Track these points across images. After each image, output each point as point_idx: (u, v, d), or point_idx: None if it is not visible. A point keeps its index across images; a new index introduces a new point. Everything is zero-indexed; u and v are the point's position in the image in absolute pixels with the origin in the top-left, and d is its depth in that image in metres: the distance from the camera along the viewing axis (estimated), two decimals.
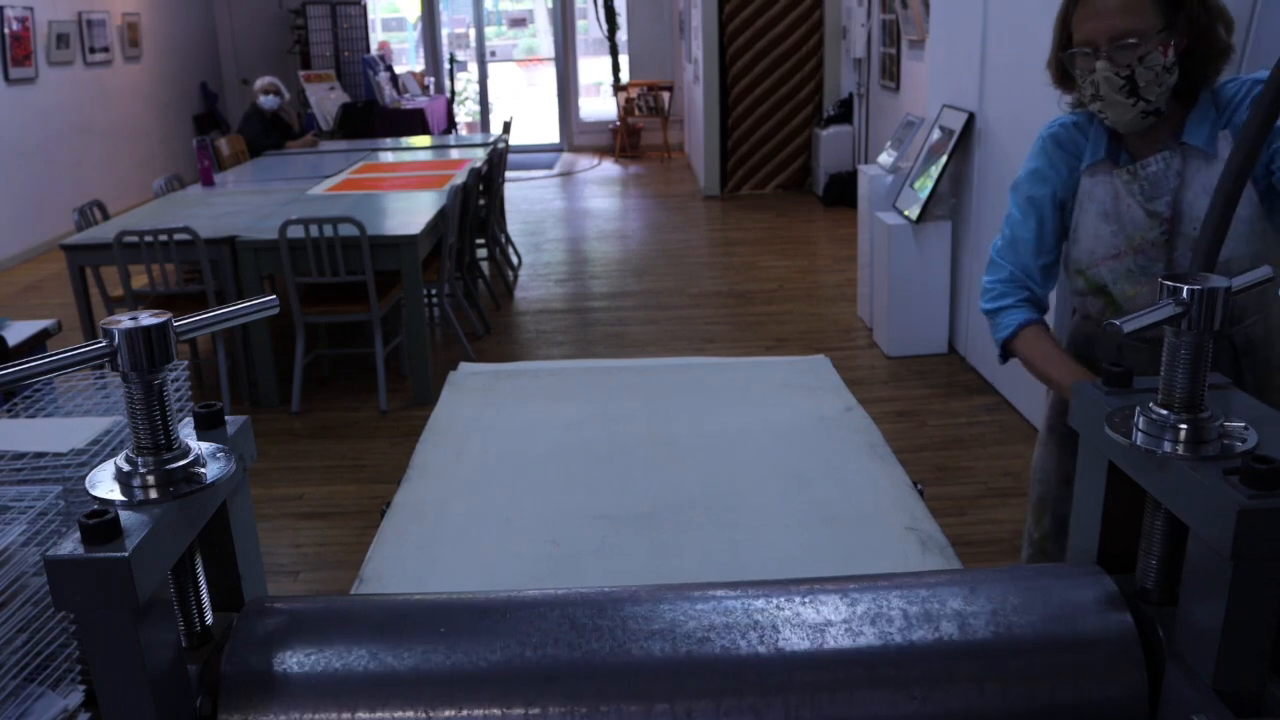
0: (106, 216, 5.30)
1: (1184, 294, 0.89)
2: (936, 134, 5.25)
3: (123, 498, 0.88)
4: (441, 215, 5.11)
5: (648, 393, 2.12)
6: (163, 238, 4.49)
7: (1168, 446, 0.92)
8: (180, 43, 11.53)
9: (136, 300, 4.70)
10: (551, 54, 13.47)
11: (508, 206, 7.61)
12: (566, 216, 9.69)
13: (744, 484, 1.69)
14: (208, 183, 6.06)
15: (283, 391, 4.87)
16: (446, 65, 13.11)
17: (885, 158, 5.78)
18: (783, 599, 1.00)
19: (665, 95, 12.38)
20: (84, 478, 2.23)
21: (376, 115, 10.78)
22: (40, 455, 2.31)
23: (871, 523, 1.55)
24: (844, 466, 1.74)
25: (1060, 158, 1.96)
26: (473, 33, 13.54)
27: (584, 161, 12.41)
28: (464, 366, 2.34)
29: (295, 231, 4.51)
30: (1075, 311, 2.10)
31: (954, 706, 0.97)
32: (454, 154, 7.40)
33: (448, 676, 0.95)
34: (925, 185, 5.10)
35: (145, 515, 0.86)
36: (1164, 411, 0.93)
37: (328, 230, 4.51)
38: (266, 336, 4.79)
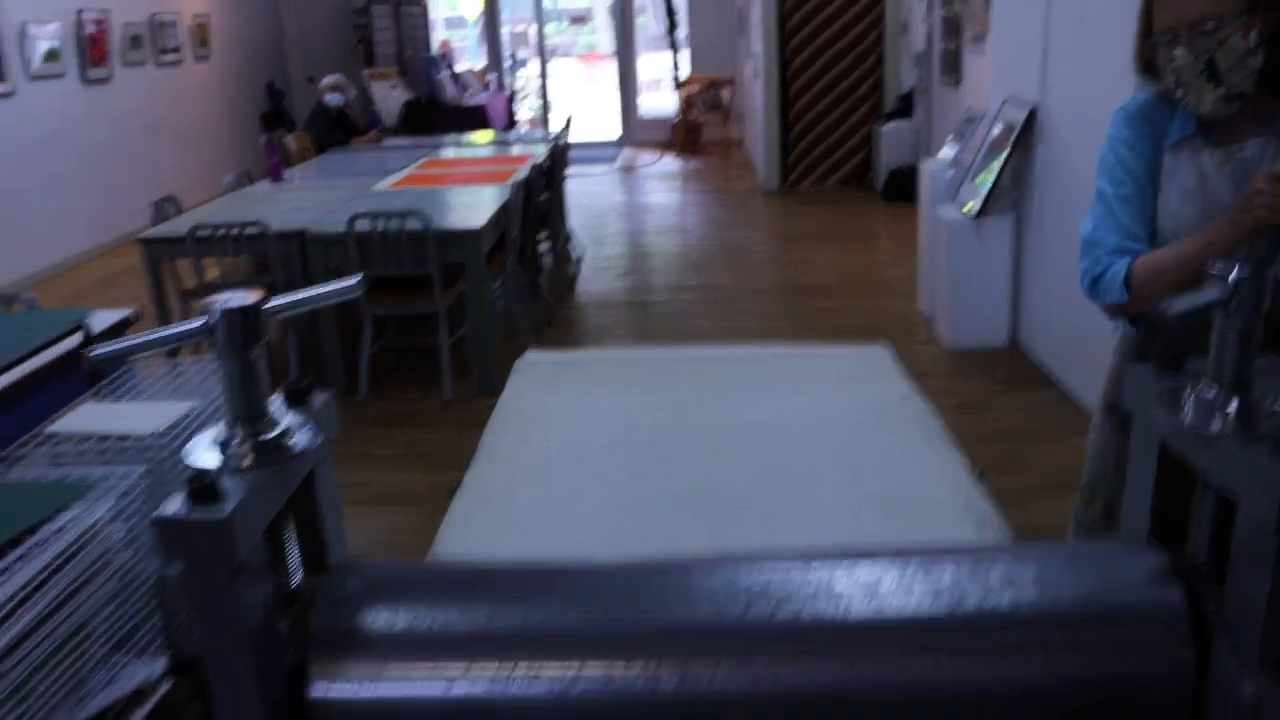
0: (180, 211, 5.45)
1: (1231, 277, 0.92)
2: (998, 128, 5.23)
3: (220, 464, 0.95)
4: (504, 209, 5.19)
5: (707, 381, 2.16)
6: (235, 232, 4.62)
7: (1216, 425, 0.95)
8: (248, 43, 11.76)
9: (210, 292, 4.82)
10: (611, 50, 13.55)
11: (569, 201, 7.69)
12: (627, 211, 9.75)
13: (801, 471, 1.73)
14: (276, 179, 6.19)
15: (349, 380, 4.98)
16: (507, 63, 13.23)
17: (946, 152, 5.77)
18: (836, 567, 1.04)
19: (725, 91, 12.40)
20: (164, 459, 2.33)
21: (439, 112, 10.92)
22: (124, 438, 2.41)
23: (929, 509, 1.58)
24: (901, 455, 1.77)
25: (1146, 131, 1.93)
26: (533, 30, 13.66)
27: (644, 157, 12.47)
28: (530, 355, 2.39)
29: (362, 225, 4.61)
30: None
31: (1003, 674, 1.00)
32: (516, 150, 7.48)
33: (521, 634, 1.00)
34: (986, 180, 5.08)
35: (242, 481, 0.92)
36: (1213, 391, 0.96)
37: (394, 224, 4.61)
38: (334, 327, 4.89)
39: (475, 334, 4.91)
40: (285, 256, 4.79)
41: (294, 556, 1.07)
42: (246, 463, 0.95)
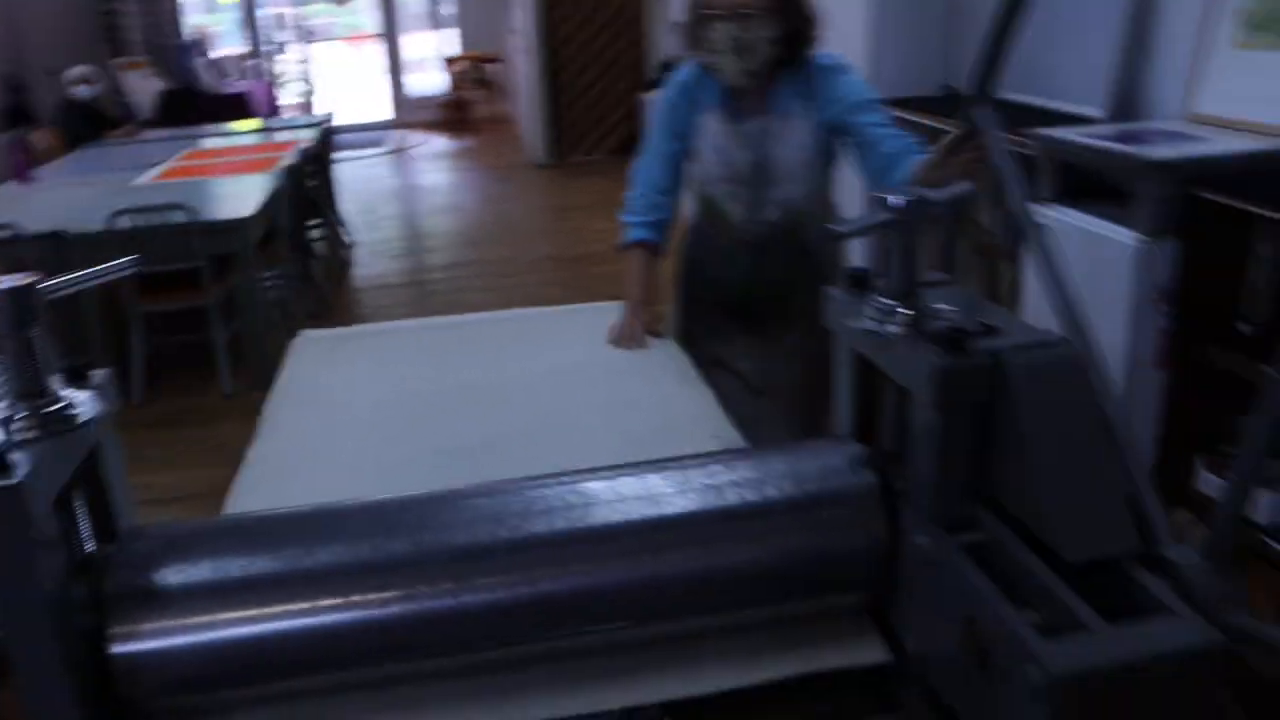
0: None
1: (891, 204, 1.11)
2: None
3: (6, 438, 1.01)
4: (273, 197, 5.13)
5: (479, 344, 2.28)
6: None
7: (892, 328, 1.14)
8: None
9: None
10: (376, 31, 13.34)
11: (340, 186, 7.59)
12: (400, 193, 9.68)
13: (567, 416, 1.87)
14: (24, 179, 5.90)
15: (122, 385, 4.83)
16: (267, 47, 12.85)
17: None
18: (582, 483, 1.19)
19: (493, 67, 12.42)
20: None
21: (197, 101, 10.52)
22: None
23: (682, 437, 1.75)
24: (656, 394, 1.94)
25: (685, 99, 2.39)
26: (293, 12, 13.31)
27: (415, 137, 12.36)
28: (306, 333, 2.45)
29: (125, 221, 4.48)
30: (696, 217, 2.54)
31: (741, 557, 1.17)
32: (281, 136, 7.34)
33: (305, 572, 1.11)
34: None
35: (29, 452, 0.99)
36: (888, 301, 1.15)
37: (158, 218, 4.50)
38: (99, 329, 4.74)
39: (250, 325, 4.85)
40: (42, 260, 4.60)
41: (85, 525, 1.13)
42: (32, 434, 1.02)
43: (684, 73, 2.41)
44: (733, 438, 1.73)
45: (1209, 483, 2.52)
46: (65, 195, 5.48)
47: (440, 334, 2.41)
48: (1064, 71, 3.38)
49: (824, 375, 2.66)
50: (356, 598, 1.10)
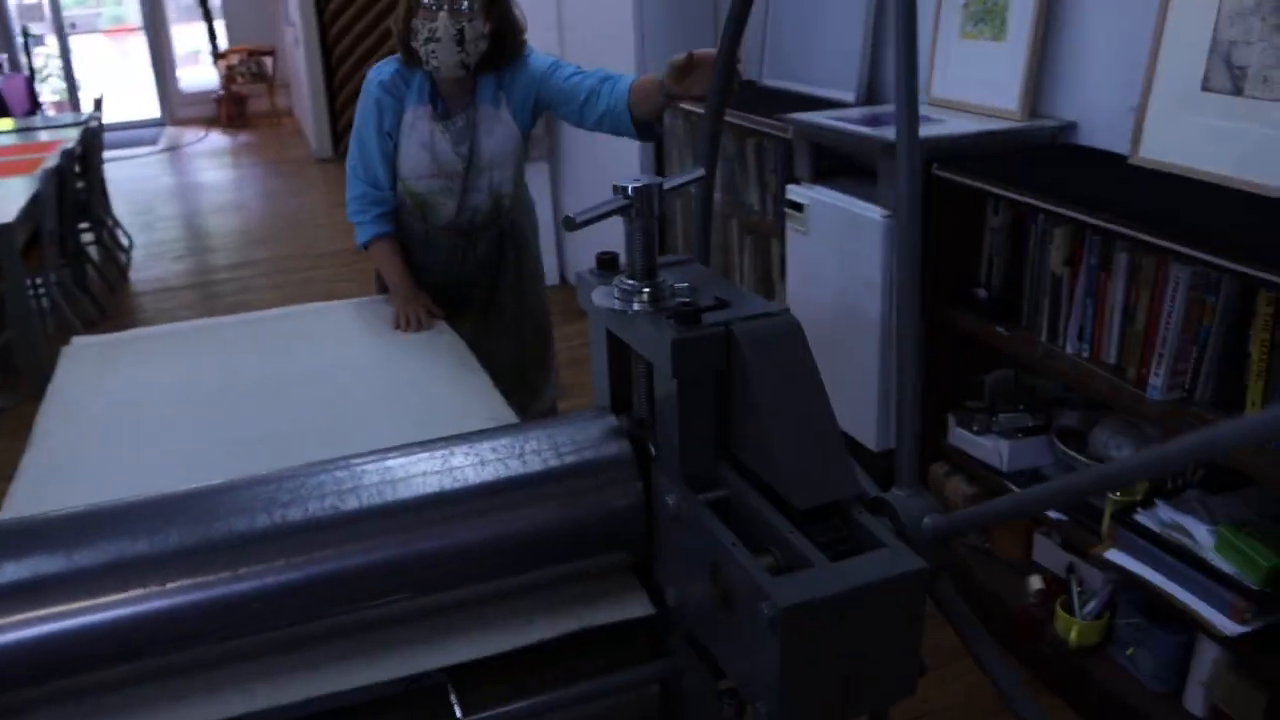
0: None
1: (629, 190, 1.20)
2: None
3: None
4: (35, 200, 4.90)
5: (261, 341, 2.29)
6: None
7: (635, 306, 1.24)
8: None
9: None
10: (140, 23, 12.75)
11: (112, 187, 7.27)
12: (178, 192, 9.33)
13: (351, 405, 1.92)
14: None
15: None
16: (20, 39, 12.12)
17: None
18: (356, 465, 1.25)
19: (268, 60, 12.07)
20: None
21: None
22: None
23: (459, 418, 1.82)
24: (438, 378, 2.00)
25: (389, 99, 2.50)
26: (47, 2, 12.59)
27: (190, 134, 11.91)
28: (77, 340, 2.40)
29: None
30: (400, 208, 2.63)
31: (506, 529, 1.25)
32: (43, 136, 6.98)
33: (107, 569, 1.13)
34: None
35: None
36: (631, 281, 1.25)
37: None
38: None
39: (20, 336, 4.64)
40: None
41: None
42: None
43: (385, 71, 2.51)
44: (506, 415, 1.81)
45: (959, 436, 2.75)
46: None
47: (219, 333, 2.41)
48: (820, 59, 3.58)
49: (536, 348, 2.85)
50: (138, 591, 1.13)
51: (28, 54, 12.09)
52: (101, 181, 6.81)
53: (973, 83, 2.90)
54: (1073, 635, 2.44)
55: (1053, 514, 2.49)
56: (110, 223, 6.83)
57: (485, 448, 1.29)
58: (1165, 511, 2.23)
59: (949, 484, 2.82)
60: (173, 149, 11.24)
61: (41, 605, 1.11)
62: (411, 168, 2.53)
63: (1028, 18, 2.72)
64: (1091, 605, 2.47)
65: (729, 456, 1.23)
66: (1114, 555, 2.26)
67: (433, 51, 2.37)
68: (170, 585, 1.14)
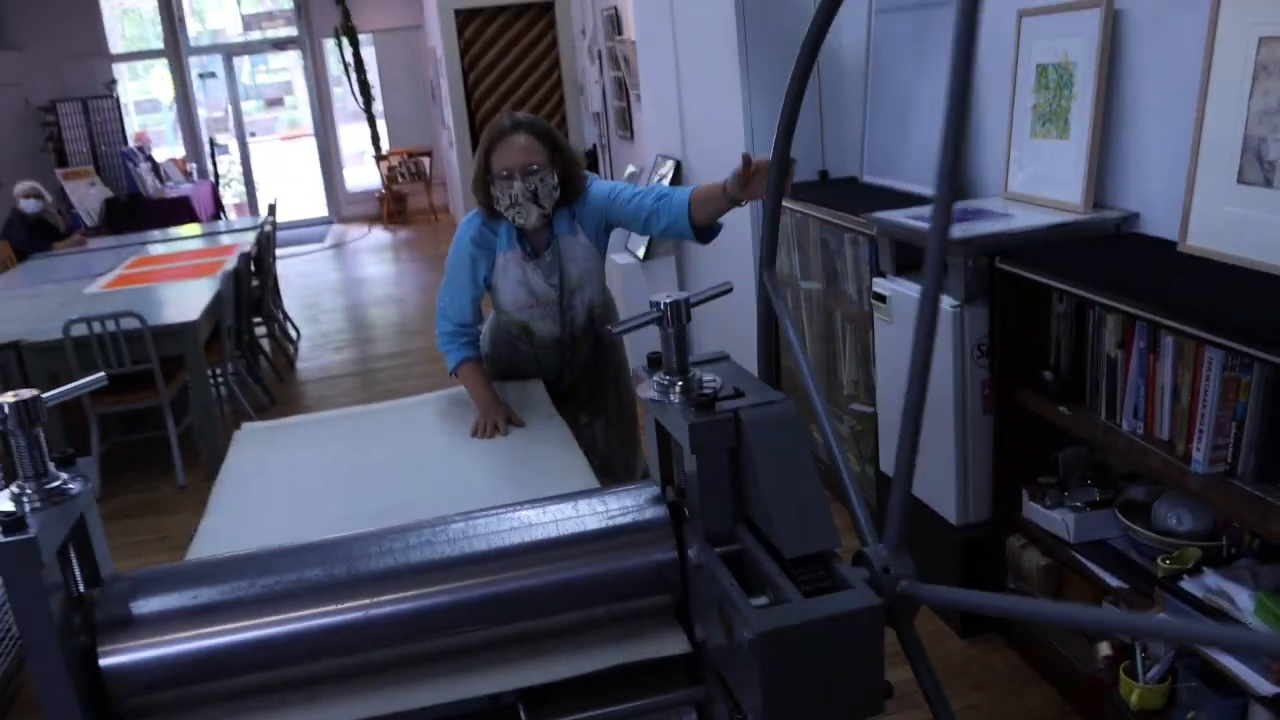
0: None
1: (661, 304, 1.53)
2: (656, 180, 5.99)
3: (21, 508, 1.39)
4: (217, 299, 5.52)
5: (401, 426, 2.69)
6: None
7: (672, 398, 1.55)
8: None
9: None
10: (311, 128, 13.82)
11: (283, 283, 7.98)
12: (342, 286, 10.08)
13: (468, 477, 2.28)
14: None
15: None
16: (207, 149, 13.28)
17: None
18: (462, 522, 1.59)
19: (425, 160, 12.92)
20: None
21: (141, 207, 10.91)
22: None
23: (557, 488, 2.15)
24: (541, 454, 2.35)
25: (481, 251, 2.85)
26: (231, 111, 13.76)
27: (354, 231, 12.80)
28: (247, 425, 2.84)
29: (79, 329, 4.85)
30: (500, 328, 3.04)
31: (572, 573, 1.57)
32: (224, 240, 7.74)
33: (257, 598, 1.49)
34: None
35: (38, 516, 1.38)
36: (667, 377, 1.57)
37: (110, 325, 4.87)
38: (60, 433, 5.07)
39: (200, 421, 5.21)
40: (3, 367, 4.95)
41: (77, 572, 1.52)
42: (39, 504, 1.40)
43: (473, 227, 2.86)
44: (594, 484, 2.14)
45: (1032, 510, 2.95)
46: (19, 307, 5.83)
47: (368, 419, 2.82)
48: (912, 156, 3.86)
49: (630, 430, 3.18)
50: (288, 614, 1.49)
51: (214, 162, 13.22)
52: (274, 279, 7.49)
53: (1043, 178, 3.15)
54: (1135, 698, 2.60)
55: (1114, 581, 2.67)
56: (281, 317, 7.49)
57: (555, 510, 1.61)
58: (1211, 578, 2.40)
59: (1025, 556, 3.01)
60: (338, 245, 12.09)
61: (208, 624, 1.47)
62: (512, 302, 2.90)
63: (1086, 117, 2.96)
64: (1154, 670, 2.62)
65: (745, 518, 1.52)
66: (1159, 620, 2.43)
67: (516, 213, 2.71)
68: (310, 611, 1.49)
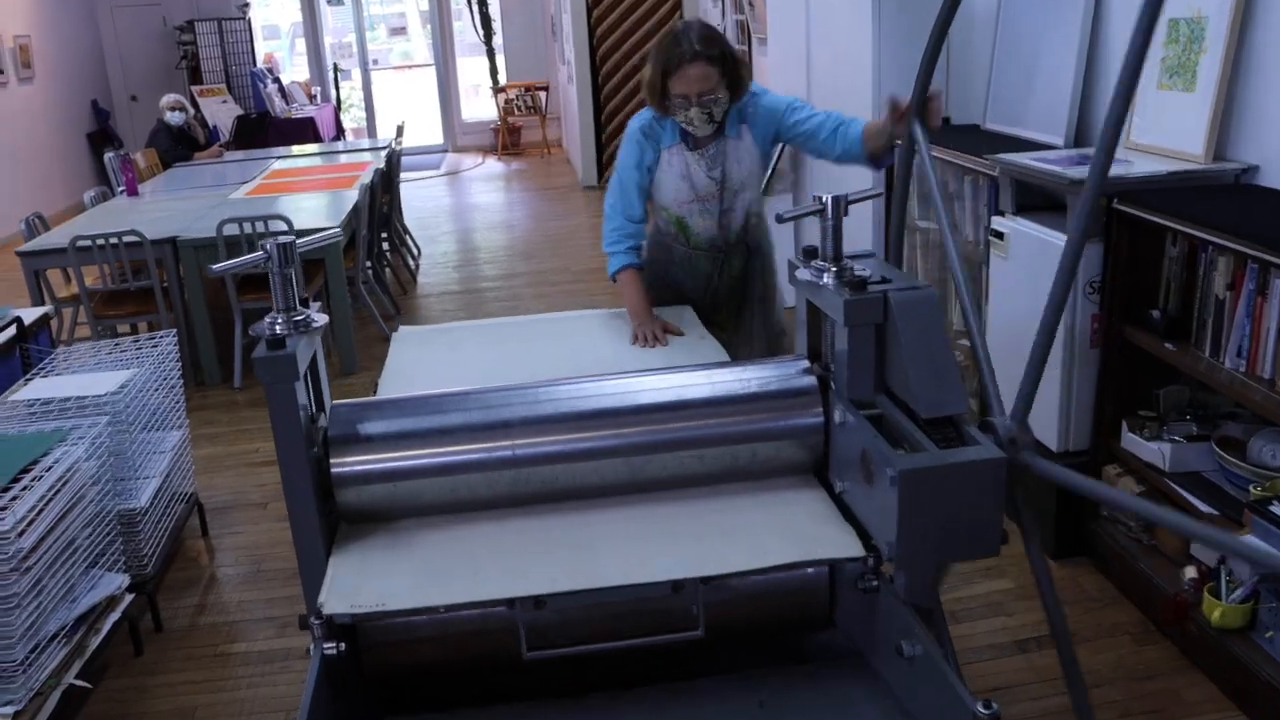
0: (47, 226, 5.90)
1: (823, 199, 1.75)
2: None
3: (279, 332, 1.66)
4: (355, 210, 5.84)
5: (557, 337, 2.85)
6: (114, 241, 5.14)
7: (825, 280, 1.77)
8: (70, 63, 11.91)
9: (90, 297, 5.33)
10: (427, 59, 14.13)
11: (403, 205, 8.33)
12: (456, 211, 10.41)
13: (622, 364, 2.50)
14: (133, 193, 6.67)
15: (225, 372, 5.54)
16: (331, 74, 13.68)
17: None
18: (622, 380, 1.84)
19: (542, 94, 13.16)
20: (121, 410, 2.99)
21: (270, 125, 11.35)
22: (82, 399, 3.04)
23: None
24: (683, 354, 2.57)
25: (649, 142, 2.99)
26: (355, 39, 14.13)
27: (468, 161, 13.12)
28: (404, 329, 3.01)
29: (230, 229, 5.19)
30: (658, 231, 3.17)
31: (730, 429, 1.81)
32: (350, 159, 8.08)
33: (445, 427, 1.75)
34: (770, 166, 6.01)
35: (292, 340, 1.65)
36: (822, 263, 1.79)
37: (260, 226, 5.21)
38: (208, 324, 5.45)
39: (336, 320, 5.54)
40: (160, 261, 5.33)
41: (312, 395, 1.79)
42: (289, 332, 1.67)
43: (642, 119, 3.01)
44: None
45: (1130, 441, 3.12)
46: (171, 207, 6.22)
47: (519, 329, 2.98)
48: (1035, 105, 3.99)
49: (775, 345, 3.34)
50: (474, 446, 1.74)
51: (336, 87, 13.62)
52: (398, 199, 7.82)
53: (1165, 129, 3.27)
54: (1216, 616, 2.77)
55: (1204, 508, 2.84)
56: (403, 233, 7.83)
57: (718, 373, 1.86)
58: None
59: (1120, 484, 3.18)
60: (453, 173, 12.43)
61: (409, 449, 1.74)
62: (673, 196, 3.02)
63: (1214, 71, 3.08)
64: (1238, 592, 2.79)
65: (884, 388, 1.74)
66: (1249, 541, 2.60)
67: (691, 128, 2.89)
68: (494, 444, 1.75)
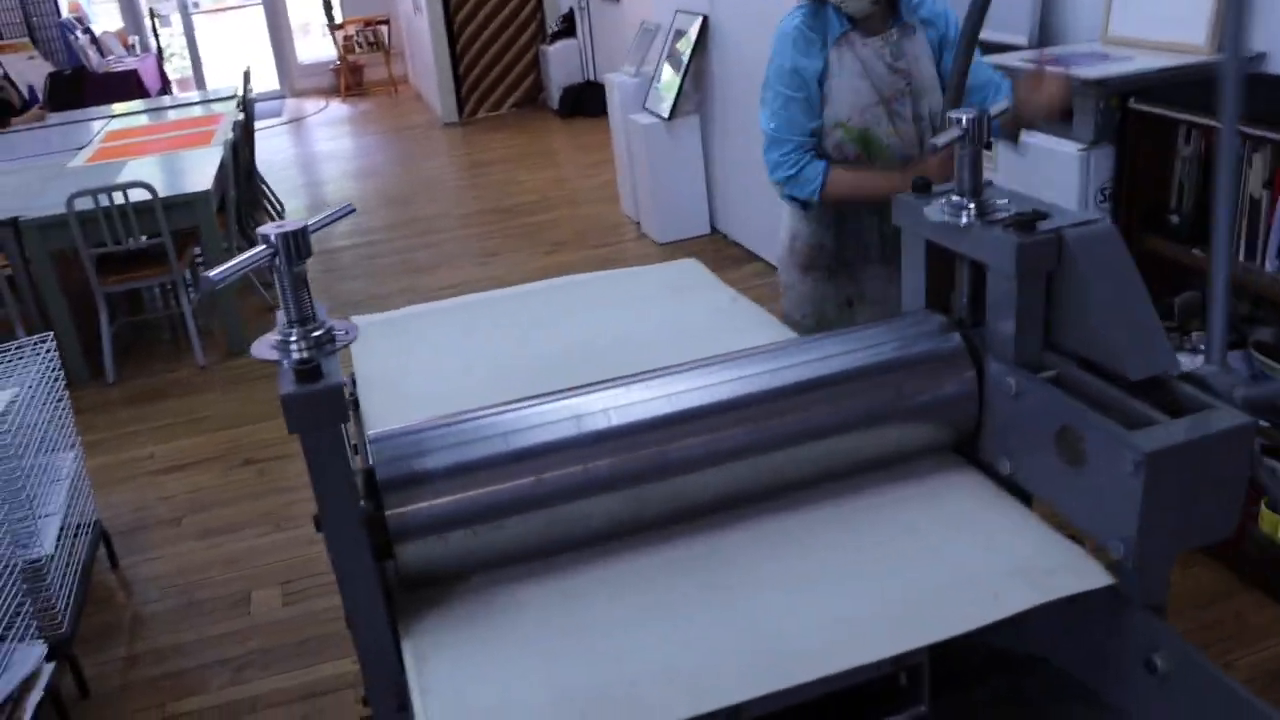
0: None
1: (965, 120, 1.40)
2: (674, 38, 5.76)
3: (313, 354, 1.23)
4: (222, 168, 5.24)
5: (543, 311, 2.22)
6: None
7: (965, 218, 1.44)
8: None
9: None
10: None
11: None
12: (310, 161, 9.72)
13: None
14: None
15: (92, 366, 4.92)
16: (148, 20, 12.59)
17: (629, 66, 6.25)
18: (719, 367, 1.47)
19: (384, 29, 12.39)
20: (6, 446, 2.45)
21: (88, 82, 10.35)
22: None
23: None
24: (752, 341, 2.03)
25: (811, 41, 2.44)
26: None
27: (310, 105, 12.31)
28: (362, 321, 2.28)
29: (84, 203, 4.57)
30: (839, 155, 2.51)
31: (864, 405, 1.47)
32: (196, 112, 7.36)
33: (542, 448, 1.36)
34: (671, 85, 5.62)
35: (326, 362, 1.23)
36: (959, 198, 1.45)
37: (118, 197, 4.60)
38: (66, 313, 4.82)
39: (221, 296, 4.98)
40: (1, 244, 4.67)
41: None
42: (308, 353, 1.24)
43: (793, 21, 2.46)
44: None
45: None
46: (1, 184, 5.49)
47: (493, 306, 2.28)
48: (997, 4, 3.70)
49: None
50: (567, 470, 1.36)
51: (155, 35, 12.57)
52: (253, 153, 7.17)
53: (1154, 20, 3.02)
54: (1276, 531, 2.60)
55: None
56: (264, 189, 7.19)
57: (833, 345, 1.51)
58: None
59: None
60: (296, 120, 11.63)
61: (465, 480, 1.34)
62: (851, 103, 2.45)
63: None
64: None
65: (1051, 344, 1.43)
66: None
67: (842, 3, 2.39)
68: (581, 467, 1.36)
